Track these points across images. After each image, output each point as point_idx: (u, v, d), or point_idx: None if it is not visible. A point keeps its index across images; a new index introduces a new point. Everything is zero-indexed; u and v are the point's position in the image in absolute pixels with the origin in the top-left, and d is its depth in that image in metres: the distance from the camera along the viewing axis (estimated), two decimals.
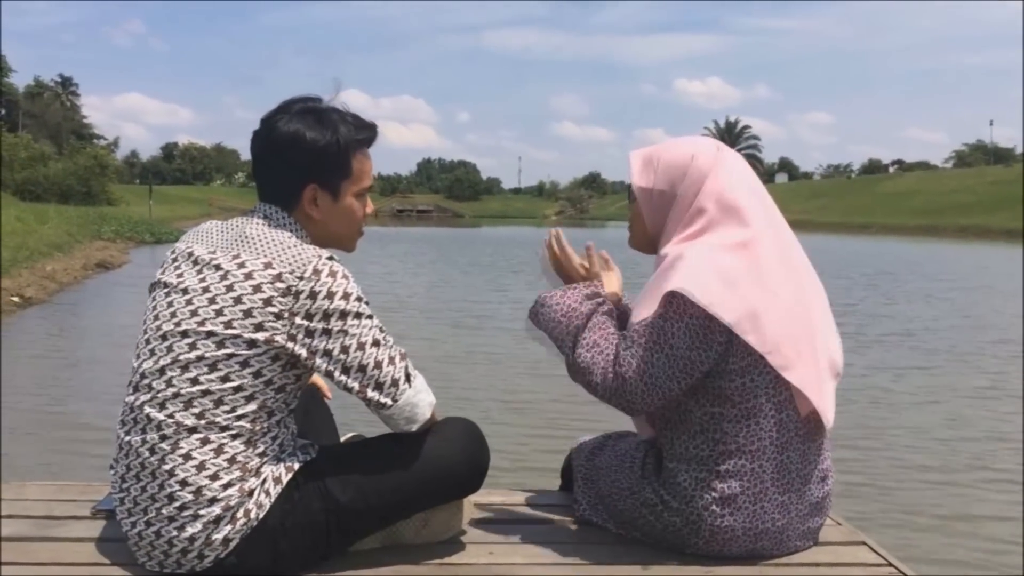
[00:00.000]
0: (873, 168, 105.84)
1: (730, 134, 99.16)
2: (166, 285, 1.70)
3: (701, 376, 1.76)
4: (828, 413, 1.82)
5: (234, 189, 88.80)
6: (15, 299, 10.62)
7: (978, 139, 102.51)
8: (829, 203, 66.55)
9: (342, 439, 2.12)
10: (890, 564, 1.90)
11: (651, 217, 1.91)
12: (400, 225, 62.98)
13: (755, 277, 1.75)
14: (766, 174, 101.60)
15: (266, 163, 1.75)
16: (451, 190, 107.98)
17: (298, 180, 1.72)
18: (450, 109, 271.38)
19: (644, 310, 1.78)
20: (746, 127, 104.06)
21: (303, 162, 1.71)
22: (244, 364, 1.62)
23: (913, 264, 21.93)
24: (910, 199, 60.23)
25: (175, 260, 1.73)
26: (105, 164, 44.58)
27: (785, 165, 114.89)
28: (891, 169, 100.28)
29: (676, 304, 1.73)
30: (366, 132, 1.77)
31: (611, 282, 2.01)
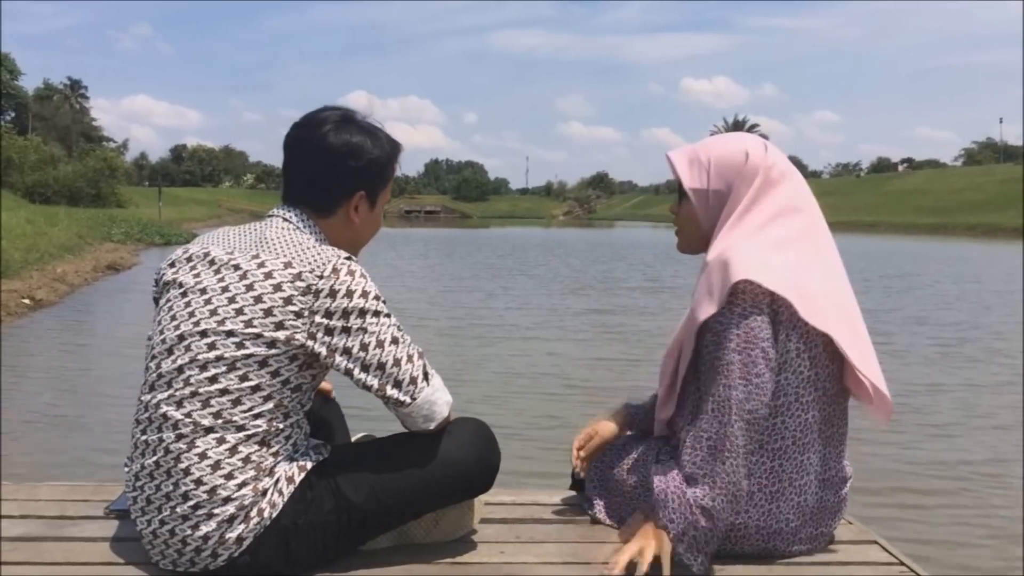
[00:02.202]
0: (882, 167, 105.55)
1: None
2: (181, 285, 1.71)
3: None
4: (884, 395, 1.82)
5: (242, 191, 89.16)
6: (26, 301, 10.67)
7: (988, 137, 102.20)
8: (838, 202, 66.26)
9: (353, 439, 2.12)
10: (901, 563, 1.90)
11: (706, 216, 1.88)
12: (408, 226, 63.03)
13: (806, 264, 1.77)
14: None
15: (315, 169, 1.77)
16: (458, 191, 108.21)
17: (350, 187, 1.78)
18: (457, 110, 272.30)
19: (706, 306, 1.74)
20: (754, 126, 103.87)
21: (359, 171, 1.78)
22: (263, 364, 1.63)
23: (939, 264, 21.41)
24: (919, 198, 60.02)
25: (190, 260, 1.74)
26: (114, 166, 44.84)
27: (793, 164, 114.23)
28: (900, 167, 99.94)
29: (744, 299, 1.71)
30: (397, 145, 1.86)
31: (605, 427, 2.07)
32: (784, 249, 1.77)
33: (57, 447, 4.93)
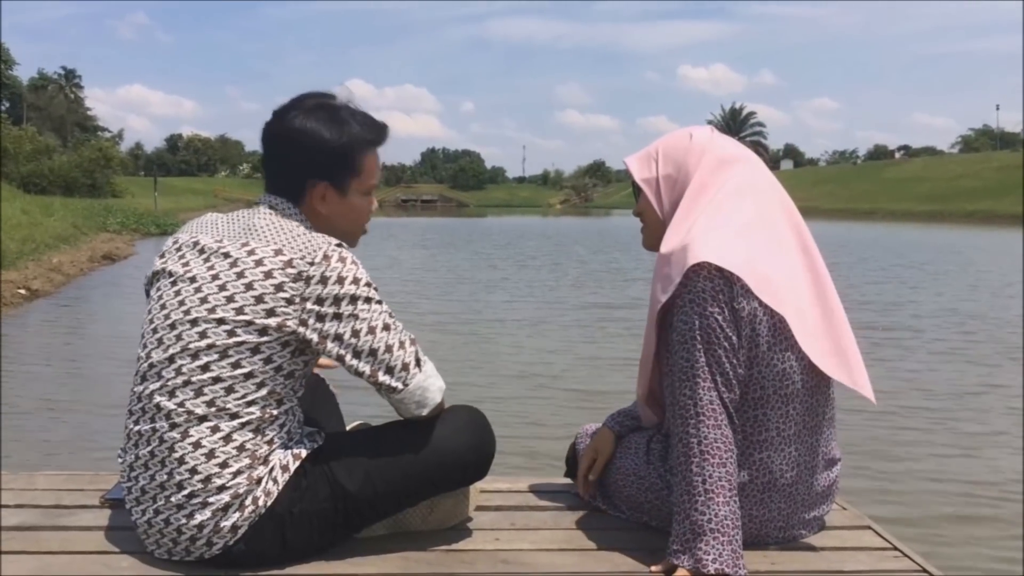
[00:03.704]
0: (879, 154, 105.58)
1: (735, 121, 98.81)
2: (171, 274, 1.71)
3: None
4: (863, 386, 1.80)
5: (238, 180, 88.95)
6: (22, 292, 10.66)
7: (985, 124, 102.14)
8: (835, 189, 66.41)
9: (348, 427, 2.12)
10: (895, 548, 1.91)
11: (661, 206, 1.88)
12: (405, 215, 62.91)
13: (764, 248, 1.76)
14: (772, 161, 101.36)
15: (276, 157, 1.77)
16: (455, 180, 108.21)
17: (307, 176, 1.74)
18: (454, 99, 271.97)
19: (667, 290, 1.74)
20: (751, 114, 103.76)
21: (314, 159, 1.73)
22: (255, 351, 1.63)
23: (952, 253, 20.80)
24: (916, 185, 60.05)
25: (179, 249, 1.74)
26: (110, 156, 44.65)
27: (790, 152, 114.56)
28: (897, 155, 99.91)
29: (703, 284, 1.70)
30: (376, 132, 1.79)
31: (604, 443, 2.03)
32: (743, 234, 1.75)
33: (54, 436, 4.94)
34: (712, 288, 1.70)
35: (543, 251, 22.36)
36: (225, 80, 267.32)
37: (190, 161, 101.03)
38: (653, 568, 1.72)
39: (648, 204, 1.90)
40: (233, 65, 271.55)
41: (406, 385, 1.69)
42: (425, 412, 1.74)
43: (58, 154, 43.87)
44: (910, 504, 4.00)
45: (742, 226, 1.77)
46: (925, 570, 1.79)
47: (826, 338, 1.78)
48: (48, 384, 6.38)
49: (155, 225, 25.92)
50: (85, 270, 14.39)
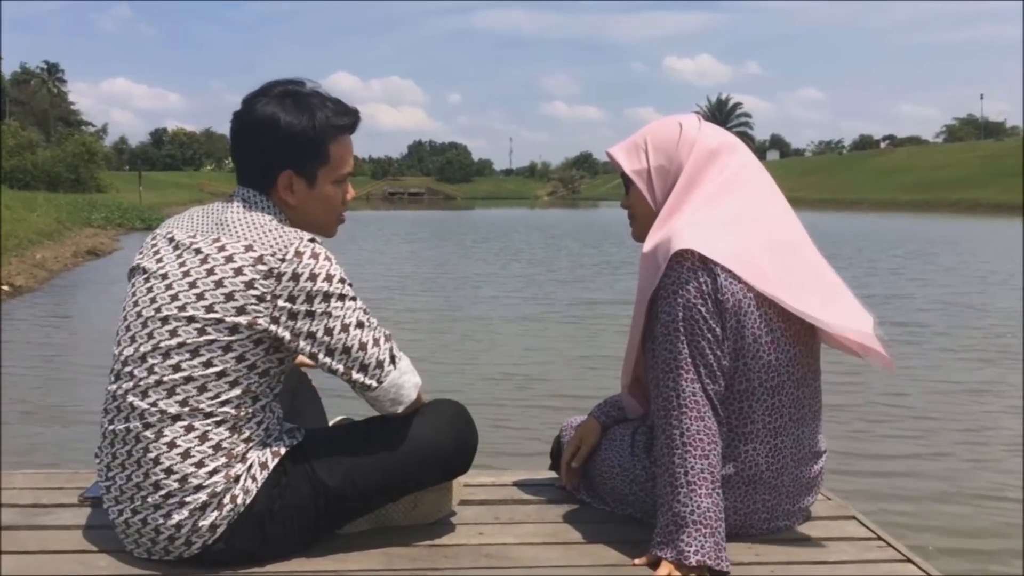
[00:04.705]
0: (864, 144, 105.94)
1: (721, 112, 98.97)
2: (145, 271, 1.69)
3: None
4: (879, 349, 1.80)
5: (224, 174, 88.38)
6: (5, 287, 10.58)
7: (969, 113, 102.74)
8: (821, 180, 66.59)
9: (330, 423, 2.11)
10: (879, 538, 1.91)
11: (654, 197, 1.86)
12: (392, 208, 62.64)
13: (752, 238, 1.75)
14: (758, 151, 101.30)
15: (242, 146, 1.73)
16: (442, 172, 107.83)
17: (273, 165, 1.69)
18: (440, 90, 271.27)
19: (652, 281, 1.75)
20: (737, 104, 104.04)
21: (278, 147, 1.68)
22: (227, 349, 1.60)
23: (946, 243, 20.38)
24: (901, 175, 60.34)
25: (154, 245, 1.71)
26: (94, 151, 44.30)
27: (776, 142, 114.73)
28: (882, 145, 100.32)
29: (685, 274, 1.69)
30: (346, 118, 1.74)
31: (590, 432, 2.02)
32: (731, 224, 1.75)
33: (33, 434, 4.89)
34: (694, 277, 1.69)
35: (532, 244, 22.24)
36: (209, 73, 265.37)
37: (175, 155, 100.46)
38: (636, 561, 1.72)
39: (640, 196, 1.88)
40: (217, 58, 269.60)
41: (380, 383, 1.68)
42: (400, 409, 1.73)
43: (41, 149, 43.55)
44: (906, 504, 3.92)
45: (731, 216, 1.76)
46: (909, 559, 1.80)
47: (821, 300, 1.77)
48: (29, 381, 6.33)
49: (140, 220, 25.76)
50: (69, 266, 14.28)
